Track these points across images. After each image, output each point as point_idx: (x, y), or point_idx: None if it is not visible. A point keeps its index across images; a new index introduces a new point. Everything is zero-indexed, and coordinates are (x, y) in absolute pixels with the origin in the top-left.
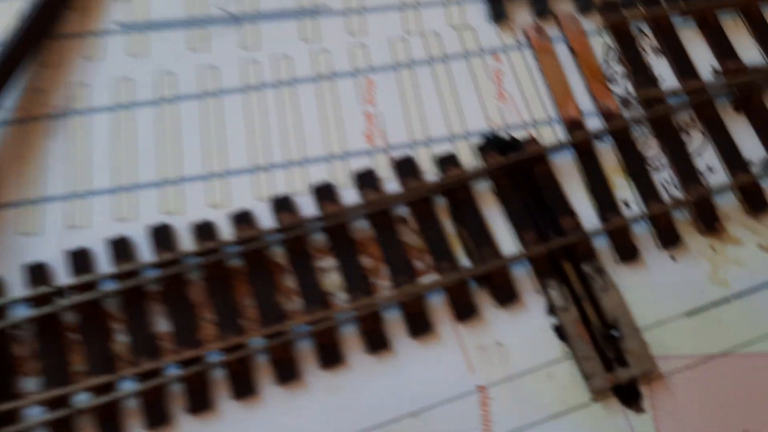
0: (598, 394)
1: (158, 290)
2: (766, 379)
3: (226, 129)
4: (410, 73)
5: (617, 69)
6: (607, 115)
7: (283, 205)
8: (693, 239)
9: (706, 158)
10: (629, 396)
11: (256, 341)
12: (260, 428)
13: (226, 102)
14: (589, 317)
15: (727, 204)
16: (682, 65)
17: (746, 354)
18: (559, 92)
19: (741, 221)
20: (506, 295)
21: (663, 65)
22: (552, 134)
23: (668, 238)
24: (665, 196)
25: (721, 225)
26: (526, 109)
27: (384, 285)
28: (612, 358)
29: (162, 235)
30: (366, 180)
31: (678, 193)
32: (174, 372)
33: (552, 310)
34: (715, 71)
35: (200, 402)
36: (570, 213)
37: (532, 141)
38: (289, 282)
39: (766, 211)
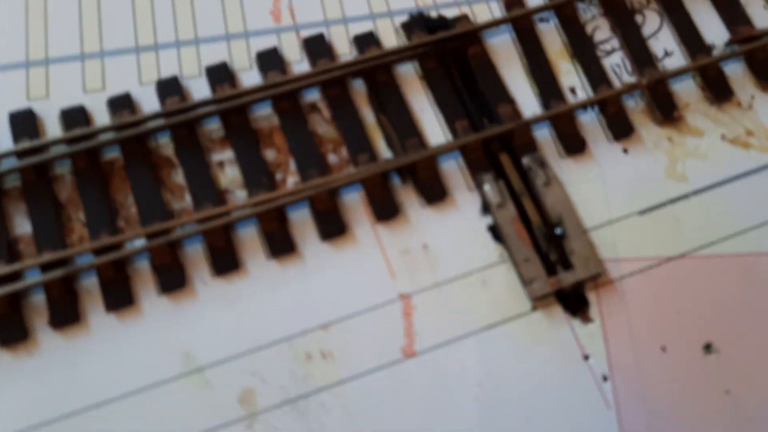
0: (538, 301)
1: (18, 186)
2: (729, 283)
3: (102, 2)
4: None
5: None
6: None
7: (170, 88)
8: (647, 130)
9: (663, 41)
10: (574, 303)
11: (135, 243)
12: (139, 346)
13: None
14: (528, 215)
15: (687, 91)
16: None
17: (706, 256)
18: None
19: (702, 110)
20: (434, 191)
21: None
22: (488, 12)
23: (620, 128)
24: (616, 82)
25: (679, 114)
26: None
27: (291, 181)
28: (555, 260)
29: (25, 122)
30: (270, 61)
31: (631, 79)
32: (34, 278)
33: (487, 208)
34: None
35: (65, 314)
36: (508, 100)
37: (465, 19)
38: (179, 177)
39: (729, 98)
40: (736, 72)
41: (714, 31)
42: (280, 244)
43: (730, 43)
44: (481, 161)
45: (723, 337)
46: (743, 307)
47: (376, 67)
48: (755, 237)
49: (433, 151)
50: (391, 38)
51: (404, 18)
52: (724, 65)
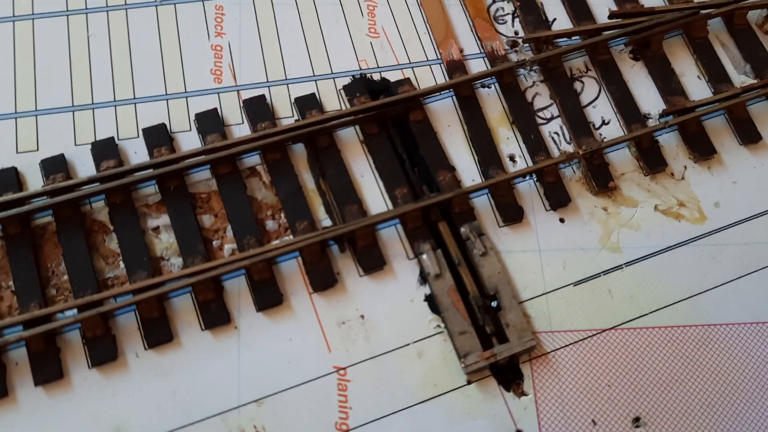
0: (473, 375)
1: None
2: (658, 356)
3: (38, 59)
4: None
5: (505, 7)
6: (492, 57)
7: (106, 150)
8: (584, 199)
9: (601, 109)
10: (509, 376)
11: (66, 314)
12: (69, 421)
13: (40, 27)
14: (466, 286)
15: (622, 160)
16: (576, 6)
17: (637, 328)
18: (440, 30)
19: (636, 180)
20: (372, 260)
21: (556, 5)
22: (431, 75)
23: (557, 198)
24: (555, 150)
25: (614, 184)
26: (402, 48)
27: (228, 248)
28: (490, 332)
29: None
30: (210, 123)
31: (569, 147)
32: None
33: (425, 278)
34: (612, 13)
35: None
36: (447, 167)
37: (407, 82)
38: (113, 244)
39: (663, 169)
40: (669, 143)
41: (650, 100)
42: (215, 315)
43: (664, 114)
44: (421, 230)
45: (651, 410)
46: (671, 380)
47: (317, 132)
48: (684, 309)
49: (372, 219)
50: (333, 100)
51: (346, 80)
52: (659, 135)
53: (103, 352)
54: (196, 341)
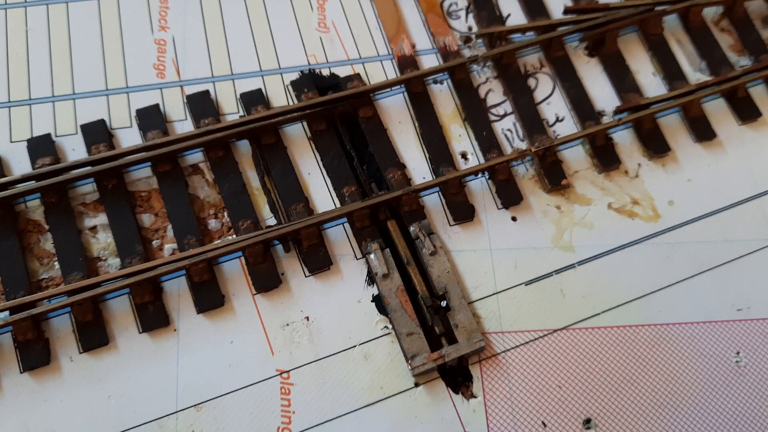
0: (421, 377)
1: None
2: (609, 356)
3: None
4: None
5: (459, 2)
6: (444, 52)
7: (43, 147)
8: (537, 197)
9: (555, 106)
10: (458, 378)
11: None
12: None
13: None
14: (415, 286)
15: (576, 158)
16: (531, 1)
17: (589, 328)
18: (391, 25)
19: (590, 178)
20: (318, 260)
21: (510, 1)
22: (382, 71)
23: (508, 196)
24: (508, 148)
25: (567, 182)
26: (352, 43)
27: (168, 248)
28: (439, 333)
29: None
30: (151, 119)
31: (522, 145)
32: None
33: (372, 278)
34: (567, 9)
35: None
36: (397, 165)
37: (357, 78)
38: (48, 244)
39: (617, 167)
40: (624, 140)
41: (605, 97)
42: (153, 318)
43: (618, 111)
44: (369, 229)
45: (603, 411)
46: (623, 381)
47: (262, 129)
48: (637, 308)
49: (318, 218)
50: (280, 96)
51: (294, 75)
52: (613, 133)
53: (36, 356)
54: (133, 345)
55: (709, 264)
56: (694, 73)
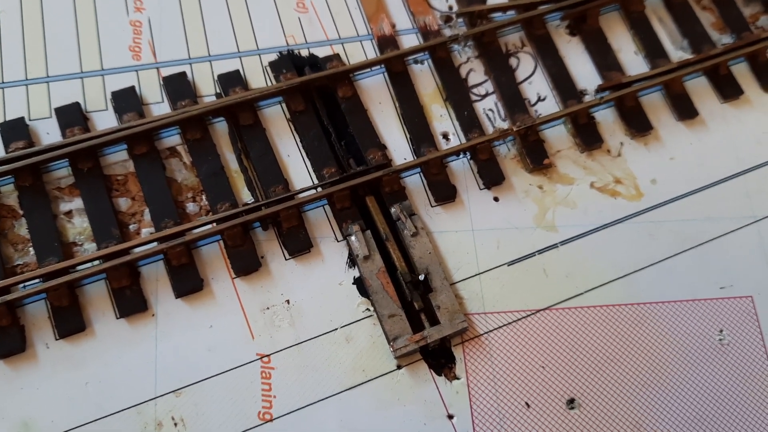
0: (403, 359)
1: None
2: (592, 335)
3: None
4: None
5: None
6: (425, 32)
7: (16, 131)
8: (519, 177)
9: (537, 85)
10: (440, 359)
11: None
12: None
13: None
14: (397, 268)
15: (558, 137)
16: None
17: (572, 308)
18: (371, 4)
19: (572, 157)
20: (298, 243)
21: None
22: (361, 51)
23: (490, 176)
24: (489, 128)
25: (549, 161)
26: (331, 22)
27: (145, 232)
28: (419, 309)
29: None
30: (127, 101)
31: (504, 125)
32: None
33: (353, 260)
34: None
35: None
36: (378, 145)
37: (336, 58)
38: (23, 229)
39: (599, 146)
40: (606, 119)
41: (586, 76)
42: (131, 303)
43: (600, 89)
44: (349, 210)
45: (586, 391)
46: (606, 360)
47: (240, 109)
48: (620, 287)
49: (298, 201)
50: (258, 77)
51: (273, 56)
52: (595, 112)
53: (11, 343)
54: (110, 330)
55: (692, 242)
56: (676, 51)
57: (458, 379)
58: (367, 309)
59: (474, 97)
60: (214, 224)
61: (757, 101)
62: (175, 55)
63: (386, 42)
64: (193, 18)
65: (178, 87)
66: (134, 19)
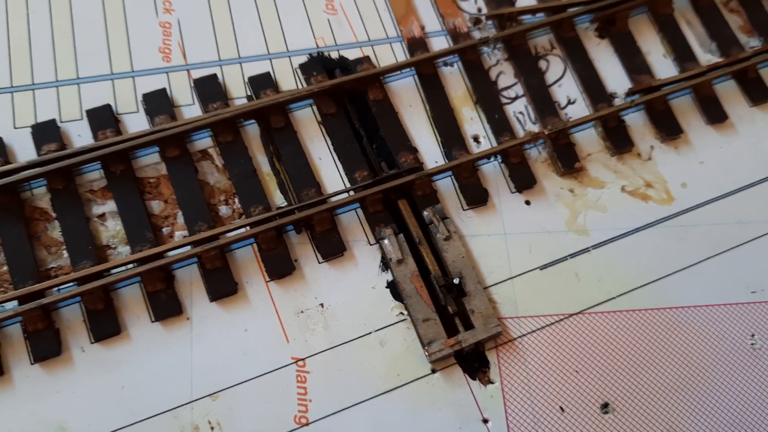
0: (437, 363)
1: None
2: (626, 340)
3: None
4: None
5: None
6: (454, 34)
7: (48, 133)
8: (550, 180)
9: (566, 88)
10: (475, 364)
11: (6, 307)
12: (10, 420)
13: None
14: (430, 272)
15: (588, 140)
16: None
17: (604, 312)
18: (400, 6)
19: (603, 161)
20: (331, 246)
21: None
22: (391, 53)
23: (522, 180)
24: (520, 131)
25: (580, 164)
26: (361, 24)
27: (179, 235)
28: (453, 312)
29: None
30: (158, 103)
31: (534, 128)
32: None
33: (386, 264)
34: None
35: None
36: (409, 148)
37: (366, 61)
38: (56, 232)
39: (629, 149)
40: (636, 122)
41: (616, 78)
42: (166, 306)
43: (630, 92)
44: (382, 214)
45: (620, 395)
46: (639, 365)
47: (271, 112)
48: (652, 292)
49: (330, 204)
50: (288, 79)
51: (303, 58)
52: (625, 115)
53: (46, 346)
54: (145, 334)
55: (723, 246)
56: (705, 54)
57: (492, 383)
58: (401, 313)
59: (504, 100)
60: (248, 228)
61: None
62: (204, 57)
63: (416, 44)
64: (223, 19)
65: (209, 89)
66: (163, 21)
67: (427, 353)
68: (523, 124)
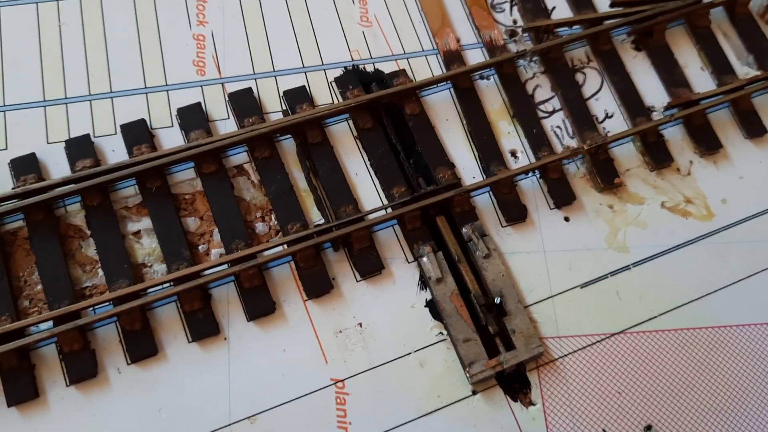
0: (478, 385)
1: None
2: (669, 360)
3: (5, 49)
4: None
5: None
6: (491, 47)
7: (82, 148)
8: (589, 196)
9: (604, 102)
10: (516, 385)
11: (41, 328)
12: None
13: (6, 15)
14: (469, 290)
15: (627, 155)
16: None
17: (647, 331)
18: (436, 19)
19: (642, 176)
20: (370, 264)
21: None
22: (426, 66)
23: (561, 196)
24: (557, 145)
25: (620, 180)
26: (396, 37)
27: (215, 253)
28: (494, 333)
29: None
30: (193, 118)
31: (572, 142)
32: None
33: (425, 282)
34: (614, 1)
35: None
36: (447, 164)
37: (402, 74)
38: (90, 250)
39: (669, 164)
40: (674, 136)
41: (653, 92)
42: (203, 326)
43: (669, 106)
44: (420, 231)
45: (663, 417)
46: (683, 386)
47: (307, 127)
48: (694, 310)
49: (368, 222)
50: (324, 93)
51: (338, 71)
52: (663, 129)
53: (82, 368)
54: (182, 354)
55: (766, 263)
56: (742, 67)
57: (534, 405)
58: (441, 333)
59: (541, 114)
60: (285, 246)
61: None
62: (239, 70)
63: (452, 57)
64: (257, 31)
65: (245, 103)
66: (197, 33)
67: (468, 375)
68: (561, 139)
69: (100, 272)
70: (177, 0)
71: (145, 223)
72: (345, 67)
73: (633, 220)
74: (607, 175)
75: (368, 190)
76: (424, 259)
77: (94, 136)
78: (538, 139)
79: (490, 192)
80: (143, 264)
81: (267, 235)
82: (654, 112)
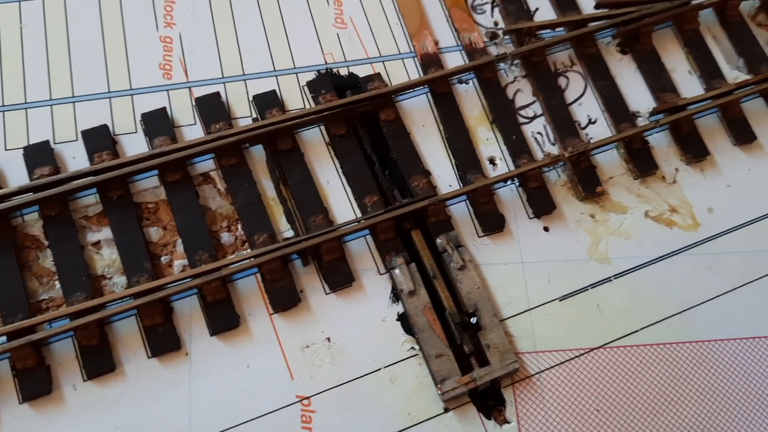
0: (451, 402)
1: None
2: (649, 376)
3: None
4: None
5: None
6: (470, 50)
7: (41, 155)
8: (570, 205)
9: (587, 107)
10: (490, 402)
11: None
12: None
13: None
14: (443, 303)
15: (610, 163)
16: None
17: (627, 346)
18: (413, 20)
19: (625, 184)
20: (339, 276)
21: None
22: (403, 71)
23: (540, 205)
24: (538, 152)
25: (602, 189)
26: (372, 39)
27: (178, 264)
28: (469, 353)
29: None
30: (157, 124)
31: (553, 149)
32: None
33: (397, 295)
34: (599, 3)
35: None
36: (422, 172)
37: (377, 78)
38: (48, 261)
39: (653, 172)
40: (660, 143)
41: (639, 97)
42: (163, 341)
43: (654, 112)
44: (393, 242)
45: None
46: (664, 403)
47: (277, 134)
48: (678, 324)
49: (339, 232)
50: (295, 97)
51: (311, 75)
52: (648, 135)
53: (36, 385)
54: (142, 371)
55: (754, 275)
56: (732, 70)
57: (509, 423)
58: (412, 348)
59: (522, 120)
60: (251, 258)
61: None
62: (207, 74)
63: (429, 60)
64: (227, 34)
65: (212, 108)
66: (164, 35)
67: (439, 391)
68: (542, 145)
69: (58, 284)
70: (144, 1)
71: (105, 233)
72: (318, 71)
73: (615, 230)
74: (589, 184)
75: (340, 199)
76: (397, 270)
77: (55, 143)
78: (517, 145)
79: (467, 201)
80: (103, 276)
81: (233, 246)
82: (639, 118)
